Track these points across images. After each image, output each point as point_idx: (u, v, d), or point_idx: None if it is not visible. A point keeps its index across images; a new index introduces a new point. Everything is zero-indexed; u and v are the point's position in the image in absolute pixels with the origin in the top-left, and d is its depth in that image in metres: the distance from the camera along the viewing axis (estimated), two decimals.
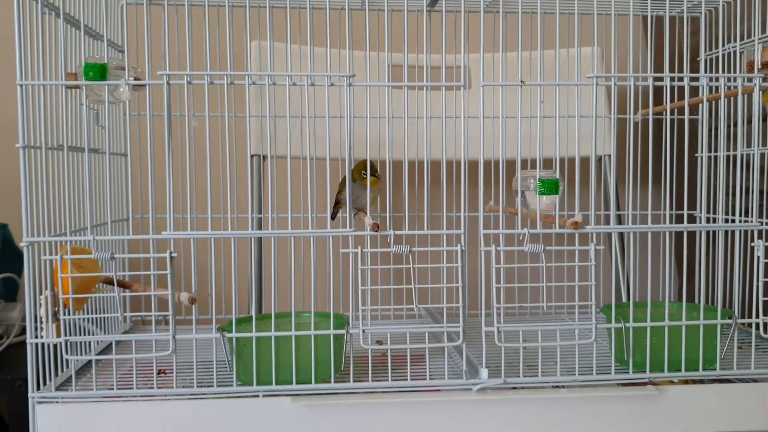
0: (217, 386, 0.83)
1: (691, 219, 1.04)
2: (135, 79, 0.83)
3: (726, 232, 0.93)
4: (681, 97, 0.89)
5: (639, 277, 0.95)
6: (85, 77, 0.80)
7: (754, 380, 0.88)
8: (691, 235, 0.91)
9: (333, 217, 1.07)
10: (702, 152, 0.98)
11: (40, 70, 0.81)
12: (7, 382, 1.03)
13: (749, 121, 0.97)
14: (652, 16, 1.13)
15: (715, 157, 1.05)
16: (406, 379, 0.85)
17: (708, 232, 0.99)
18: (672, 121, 0.99)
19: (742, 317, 0.93)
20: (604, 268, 1.07)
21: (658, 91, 0.86)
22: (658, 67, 0.87)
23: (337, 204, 1.09)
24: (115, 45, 1.05)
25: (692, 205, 0.98)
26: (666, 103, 0.87)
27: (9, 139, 0.80)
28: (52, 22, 0.84)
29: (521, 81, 0.82)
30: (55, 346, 0.81)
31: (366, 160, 1.01)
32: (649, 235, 0.89)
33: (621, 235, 1.20)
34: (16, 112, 0.79)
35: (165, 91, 0.80)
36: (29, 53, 0.80)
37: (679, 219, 1.06)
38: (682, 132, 0.93)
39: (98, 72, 0.80)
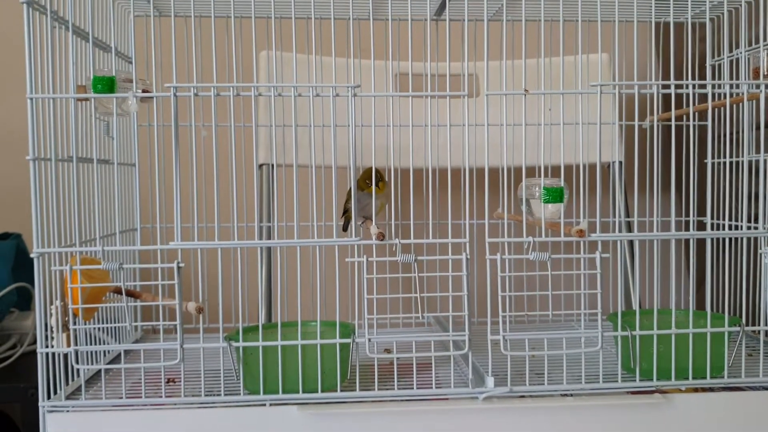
0: (225, 395, 0.84)
1: (701, 226, 1.03)
2: (143, 91, 0.84)
3: (734, 239, 0.93)
4: (695, 103, 0.89)
5: (650, 285, 0.95)
6: (94, 90, 0.81)
7: (765, 388, 0.88)
8: (701, 242, 0.91)
9: (345, 228, 1.08)
10: (709, 159, 0.98)
11: (49, 83, 0.82)
12: (20, 391, 1.04)
13: (758, 127, 0.96)
14: (660, 23, 1.13)
15: (724, 163, 1.05)
16: (413, 388, 0.86)
17: (718, 240, 0.99)
18: (679, 127, 0.99)
19: (752, 324, 0.92)
20: (612, 276, 1.07)
21: (676, 98, 0.87)
22: (668, 74, 0.87)
23: (346, 213, 1.09)
24: (125, 57, 1.06)
25: (702, 212, 0.97)
26: (672, 109, 0.87)
27: (23, 151, 0.81)
28: (62, 35, 0.85)
29: (525, 90, 0.82)
30: (65, 355, 0.82)
31: (371, 168, 1.02)
32: (656, 243, 0.89)
33: (631, 242, 1.20)
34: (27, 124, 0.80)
35: (172, 103, 0.81)
36: (39, 66, 0.81)
37: (689, 226, 1.06)
38: (695, 139, 0.93)
39: (106, 85, 0.81)
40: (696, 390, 0.87)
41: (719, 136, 1.07)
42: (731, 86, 0.95)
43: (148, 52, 0.94)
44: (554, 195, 0.85)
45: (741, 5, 0.97)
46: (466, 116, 0.83)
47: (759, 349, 0.96)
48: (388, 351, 0.95)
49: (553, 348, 0.87)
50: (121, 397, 0.84)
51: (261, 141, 1.19)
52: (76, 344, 0.81)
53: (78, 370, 0.85)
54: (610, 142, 1.21)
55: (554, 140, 0.84)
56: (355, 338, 0.85)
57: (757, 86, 0.89)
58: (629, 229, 1.21)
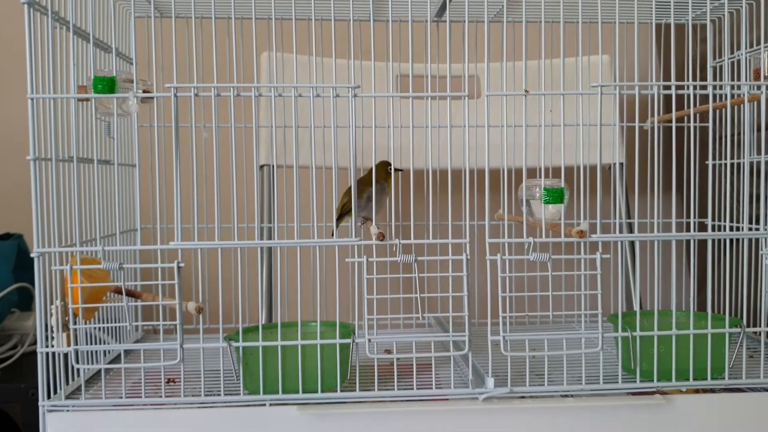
0: (225, 395, 0.84)
1: (702, 227, 1.03)
2: (144, 91, 0.84)
3: (735, 240, 0.92)
4: (696, 105, 0.89)
5: (651, 286, 0.95)
6: (94, 90, 0.81)
7: (766, 389, 0.88)
8: (702, 243, 0.90)
9: (336, 226, 1.08)
10: (710, 160, 0.98)
11: (50, 83, 0.82)
12: (20, 390, 1.04)
13: (759, 129, 0.96)
14: (660, 25, 1.13)
15: (725, 164, 1.05)
16: (413, 389, 0.86)
17: (719, 241, 0.99)
18: (680, 129, 0.99)
19: (753, 326, 0.92)
20: (613, 277, 1.07)
21: (678, 99, 0.87)
22: (669, 75, 0.87)
23: (343, 215, 1.09)
24: (126, 57, 1.06)
25: (703, 213, 0.97)
26: (673, 111, 0.87)
27: (23, 151, 0.81)
28: (63, 35, 0.85)
29: (525, 91, 0.82)
30: (65, 355, 0.82)
31: (384, 161, 1.04)
32: (657, 244, 0.89)
33: (632, 243, 1.20)
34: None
35: (173, 103, 0.81)
36: (40, 66, 0.81)
37: (689, 227, 1.06)
38: (695, 140, 0.93)
39: (107, 85, 0.81)
40: (697, 391, 0.87)
41: (720, 138, 1.07)
42: (732, 87, 0.95)
43: (148, 53, 0.95)
44: (555, 196, 0.85)
45: (742, 7, 0.97)
46: (467, 117, 0.83)
47: (760, 351, 0.96)
48: (388, 351, 0.95)
49: (553, 349, 0.87)
50: (121, 397, 0.84)
51: (262, 142, 1.19)
52: (76, 344, 0.81)
53: (78, 369, 0.85)
54: (611, 144, 1.21)
55: (555, 141, 0.84)
56: (355, 339, 0.85)
57: (758, 87, 0.89)
58: (630, 230, 1.21)
